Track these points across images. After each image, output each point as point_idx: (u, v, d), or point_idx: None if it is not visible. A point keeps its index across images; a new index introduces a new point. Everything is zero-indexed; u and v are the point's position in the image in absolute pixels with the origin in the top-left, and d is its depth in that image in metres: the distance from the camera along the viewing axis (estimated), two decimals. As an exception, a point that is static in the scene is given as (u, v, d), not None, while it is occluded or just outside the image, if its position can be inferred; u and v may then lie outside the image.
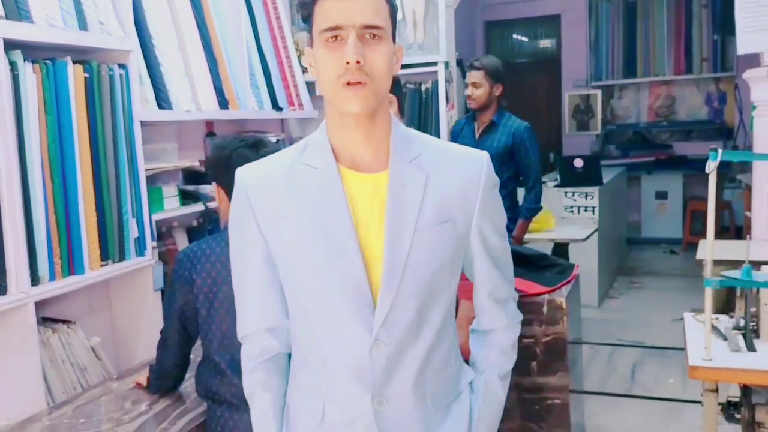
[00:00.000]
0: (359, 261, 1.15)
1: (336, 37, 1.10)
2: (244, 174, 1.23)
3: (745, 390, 2.21)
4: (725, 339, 2.15)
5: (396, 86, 2.44)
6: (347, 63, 1.08)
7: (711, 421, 2.18)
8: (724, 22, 6.85)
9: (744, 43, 3.45)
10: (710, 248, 1.95)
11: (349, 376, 1.18)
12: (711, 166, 1.87)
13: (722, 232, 6.66)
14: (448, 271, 1.21)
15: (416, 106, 3.98)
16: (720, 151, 1.85)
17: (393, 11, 1.16)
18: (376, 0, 1.11)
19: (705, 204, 7.03)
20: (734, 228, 6.82)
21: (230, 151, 1.90)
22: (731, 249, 2.72)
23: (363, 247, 1.16)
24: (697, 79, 7.58)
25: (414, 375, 1.19)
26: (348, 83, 1.09)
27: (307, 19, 1.15)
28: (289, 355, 1.29)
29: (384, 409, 1.18)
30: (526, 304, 2.79)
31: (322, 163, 1.18)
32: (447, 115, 3.92)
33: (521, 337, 2.80)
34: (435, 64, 3.92)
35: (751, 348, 2.08)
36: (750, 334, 2.12)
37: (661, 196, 7.52)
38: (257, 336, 1.27)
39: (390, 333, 1.16)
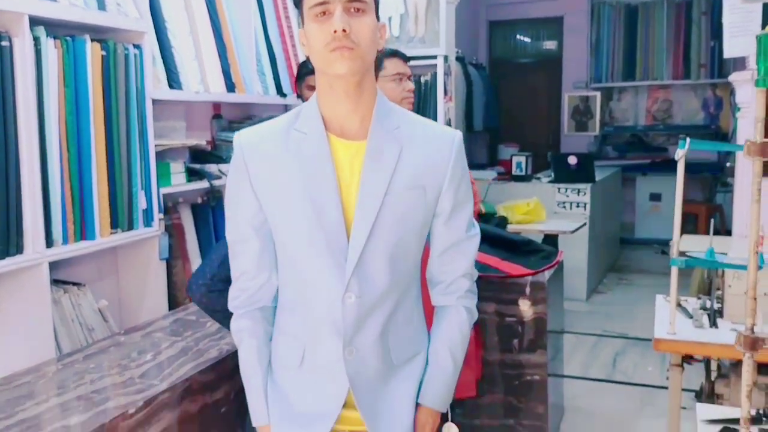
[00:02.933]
0: (340, 217, 1.29)
1: (324, 12, 1.24)
2: (241, 136, 1.38)
3: (707, 365, 2.37)
4: (691, 317, 2.30)
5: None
6: (335, 32, 1.22)
7: (675, 394, 2.34)
8: (722, 30, 6.99)
9: (730, 47, 3.60)
10: (677, 229, 2.10)
11: (326, 324, 1.32)
12: (679, 153, 2.02)
13: (714, 235, 6.78)
14: (415, 234, 1.35)
15: (416, 98, 4.12)
16: (688, 140, 2.00)
17: None
18: None
19: (697, 207, 7.13)
20: (725, 231, 6.95)
21: None
22: (712, 242, 2.87)
23: (344, 207, 1.30)
24: (695, 84, 7.72)
25: (380, 328, 1.33)
26: (336, 48, 1.23)
27: (298, 2, 1.29)
28: (275, 308, 1.43)
29: (353, 357, 1.32)
30: (510, 284, 2.95)
31: (312, 130, 1.32)
32: (444, 107, 4.07)
33: (504, 315, 2.97)
34: (434, 57, 4.06)
35: (713, 325, 2.23)
36: (714, 313, 2.28)
37: (656, 197, 7.67)
38: (246, 287, 1.40)
39: (360, 286, 1.29)
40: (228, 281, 1.76)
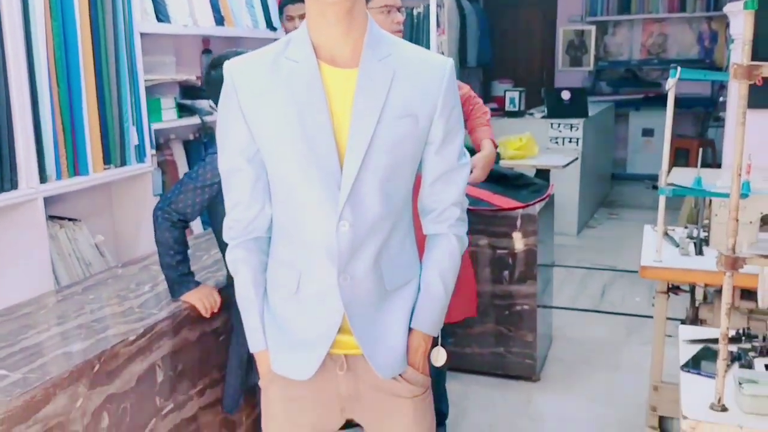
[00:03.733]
0: (332, 145, 1.29)
1: None
2: (231, 66, 1.36)
3: (692, 293, 2.43)
4: (678, 246, 2.35)
5: None
6: None
7: (660, 320, 2.41)
8: (719, -40, 6.86)
9: (726, -24, 3.55)
10: (666, 159, 2.13)
11: (321, 251, 1.34)
12: (670, 83, 2.03)
13: (705, 168, 6.82)
14: (407, 162, 1.35)
15: (408, 31, 4.07)
16: (678, 69, 2.00)
17: None
18: None
19: (689, 142, 7.13)
20: (716, 165, 6.99)
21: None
22: (701, 174, 2.90)
23: (336, 134, 1.30)
24: (690, 17, 7.62)
25: (373, 255, 1.35)
26: None
27: None
28: (269, 238, 1.45)
29: (348, 284, 1.34)
30: (501, 218, 2.99)
31: (303, 58, 1.30)
32: (437, 40, 4.02)
33: (495, 247, 3.02)
34: (427, -12, 4.00)
35: (699, 253, 2.28)
36: (701, 241, 2.32)
37: (648, 133, 7.67)
38: (240, 218, 1.42)
39: (353, 213, 1.31)
40: (182, 217, 1.80)
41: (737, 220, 1.15)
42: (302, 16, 3.07)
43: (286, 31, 3.08)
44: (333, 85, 1.31)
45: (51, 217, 2.57)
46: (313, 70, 1.30)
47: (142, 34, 2.73)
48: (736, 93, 1.16)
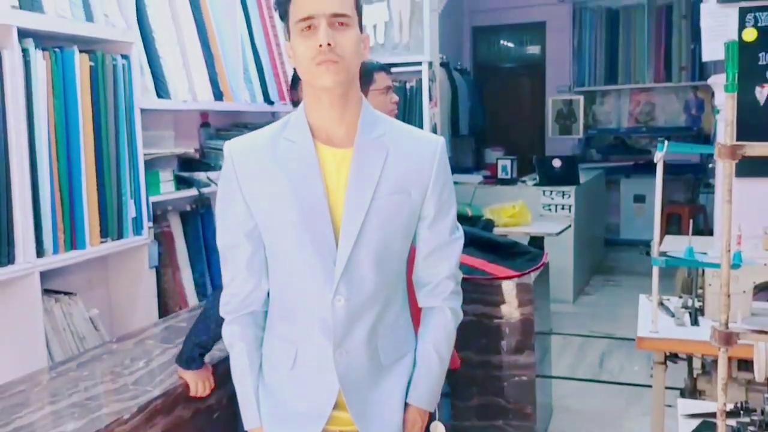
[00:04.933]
0: (327, 222, 1.33)
1: (309, 26, 1.28)
2: (231, 145, 1.41)
3: (690, 363, 2.42)
4: (673, 316, 2.36)
5: None
6: (320, 46, 1.26)
7: (659, 392, 2.39)
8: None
9: (708, 50, 3.67)
10: (657, 229, 2.16)
11: (316, 326, 1.36)
12: (658, 156, 2.08)
13: (697, 235, 6.87)
14: (401, 237, 1.39)
15: (401, 103, 4.17)
16: (666, 142, 2.06)
17: (358, 4, 1.35)
18: None
19: (680, 207, 7.19)
20: (708, 231, 7.04)
21: None
22: (693, 242, 2.94)
23: (332, 211, 1.34)
24: (676, 87, 7.83)
25: (368, 329, 1.37)
26: (321, 62, 1.27)
27: (284, 15, 1.34)
28: (265, 312, 1.46)
29: (343, 359, 1.35)
30: (496, 287, 3.00)
31: (300, 138, 1.36)
32: (430, 112, 4.12)
33: (492, 317, 3.01)
34: (419, 64, 4.12)
35: (695, 323, 2.29)
36: (696, 311, 2.33)
37: (639, 199, 7.76)
38: (237, 292, 1.43)
39: (348, 288, 1.33)
40: None
41: (729, 296, 1.16)
42: None
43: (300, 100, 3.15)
44: (329, 163, 1.36)
45: (46, 291, 2.57)
46: (309, 150, 1.35)
47: (142, 110, 2.79)
48: (722, 171, 1.20)
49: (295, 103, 3.17)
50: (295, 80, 3.11)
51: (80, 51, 2.48)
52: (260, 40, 3.78)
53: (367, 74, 2.42)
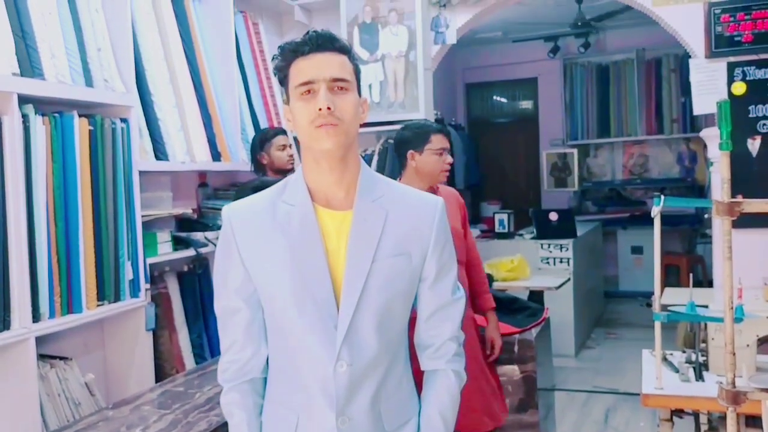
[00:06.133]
0: (328, 286, 1.31)
1: (309, 90, 1.30)
2: (230, 210, 1.41)
3: (696, 419, 2.38)
4: (677, 371, 2.32)
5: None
6: (320, 110, 1.28)
7: (667, 449, 2.34)
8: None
9: (699, 104, 3.74)
10: (657, 284, 2.15)
11: (318, 393, 1.32)
12: (655, 211, 2.09)
13: (696, 286, 6.85)
14: (402, 299, 1.37)
15: (396, 159, 4.20)
16: (662, 197, 2.07)
17: (356, 69, 1.37)
18: (341, 58, 1.33)
19: (678, 258, 7.15)
20: (707, 282, 7.02)
21: None
22: (694, 294, 2.93)
23: (332, 275, 1.32)
24: (668, 139, 7.92)
25: (372, 395, 1.34)
26: (321, 125, 1.29)
27: (283, 80, 1.36)
28: (264, 379, 1.43)
29: (346, 427, 1.31)
30: (498, 344, 2.96)
31: (299, 202, 1.35)
32: (426, 169, 4.13)
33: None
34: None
35: (699, 378, 2.25)
36: (700, 366, 2.30)
37: (637, 250, 7.75)
38: (235, 359, 1.40)
39: (351, 353, 1.31)
40: None
41: (734, 354, 1.15)
42: (290, 146, 3.23)
43: (270, 160, 3.19)
44: (328, 227, 1.35)
45: (41, 356, 2.53)
46: (308, 213, 1.34)
47: (140, 172, 2.80)
48: (720, 227, 1.20)
49: (259, 166, 3.24)
50: (261, 143, 3.21)
51: (80, 115, 2.52)
52: (257, 100, 3.84)
53: (424, 134, 2.52)
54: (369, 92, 4.10)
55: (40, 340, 2.39)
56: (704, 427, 2.35)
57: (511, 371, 2.94)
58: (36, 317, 2.33)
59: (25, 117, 2.31)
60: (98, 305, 2.60)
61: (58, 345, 2.65)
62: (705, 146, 7.53)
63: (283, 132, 3.28)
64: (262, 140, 3.26)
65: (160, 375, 2.91)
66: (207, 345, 3.26)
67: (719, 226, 3.60)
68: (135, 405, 2.22)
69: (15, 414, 2.25)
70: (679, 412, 2.41)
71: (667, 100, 7.80)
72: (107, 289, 2.64)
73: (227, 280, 1.39)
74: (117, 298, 2.68)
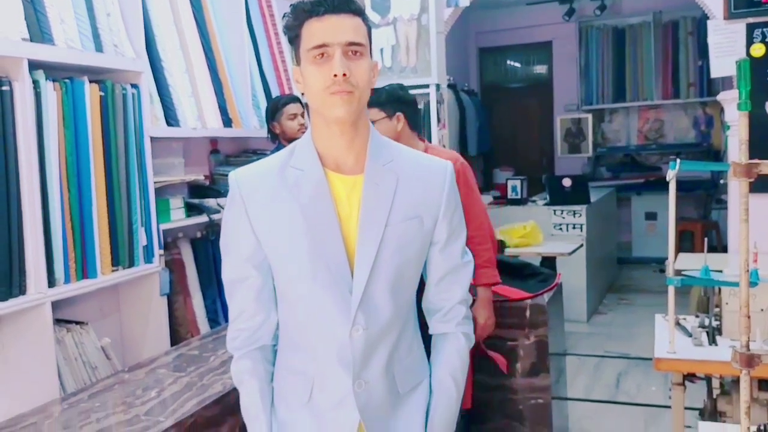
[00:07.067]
0: (341, 251, 1.30)
1: (322, 54, 1.26)
2: (237, 176, 1.38)
3: (709, 383, 2.38)
4: (690, 336, 2.32)
5: (401, 103, 2.58)
6: (335, 76, 1.24)
7: (678, 413, 2.34)
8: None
9: (717, 67, 3.67)
10: (671, 249, 2.13)
11: (334, 358, 1.32)
12: (670, 175, 2.06)
13: (710, 252, 6.82)
14: (414, 263, 1.37)
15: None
16: (678, 161, 2.04)
17: (369, 32, 1.33)
18: (356, 21, 1.29)
19: (693, 224, 7.12)
20: (721, 247, 6.98)
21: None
22: (708, 259, 2.91)
23: (345, 240, 1.31)
24: (685, 103, 7.80)
25: (386, 358, 1.34)
26: (335, 92, 1.25)
27: (294, 40, 1.32)
28: (274, 346, 1.43)
29: (362, 391, 1.32)
30: (510, 309, 2.97)
31: (309, 166, 1.33)
32: (438, 134, 4.12)
33: (506, 340, 2.98)
34: (427, 86, 4.12)
35: (712, 343, 2.25)
36: (713, 330, 2.29)
37: (651, 216, 7.70)
38: (245, 327, 1.40)
39: (366, 317, 1.30)
40: None
41: (749, 317, 1.14)
42: (303, 114, 3.21)
43: (282, 130, 3.19)
44: (339, 191, 1.34)
45: (58, 321, 2.56)
46: (319, 178, 1.33)
47: (152, 138, 2.80)
48: (737, 190, 1.18)
49: (274, 135, 3.23)
50: (272, 112, 3.19)
51: (90, 81, 2.50)
52: (268, 66, 3.81)
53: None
54: (381, 57, 4.06)
55: (56, 306, 2.41)
56: (716, 392, 2.35)
57: (523, 336, 2.94)
58: (51, 282, 2.35)
59: (35, 83, 2.30)
60: (113, 270, 2.62)
61: (75, 310, 2.68)
62: (722, 110, 7.42)
63: (294, 100, 3.25)
64: (273, 109, 3.24)
65: (176, 340, 2.95)
66: (221, 310, 3.29)
67: (736, 188, 3.57)
68: (151, 368, 2.25)
69: (33, 377, 2.29)
70: (691, 377, 2.41)
71: (684, 63, 7.67)
72: (121, 255, 2.65)
73: (236, 247, 1.38)
74: (131, 264, 2.70)
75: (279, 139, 3.22)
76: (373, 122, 2.53)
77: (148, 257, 2.79)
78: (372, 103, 2.55)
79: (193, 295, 3.19)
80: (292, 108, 3.21)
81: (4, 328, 2.30)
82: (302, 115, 3.23)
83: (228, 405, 1.91)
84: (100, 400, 1.98)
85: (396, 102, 2.54)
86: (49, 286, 2.35)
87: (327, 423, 1.34)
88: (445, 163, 1.41)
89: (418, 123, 2.63)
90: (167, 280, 2.92)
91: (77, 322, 2.62)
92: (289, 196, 1.33)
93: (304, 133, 3.22)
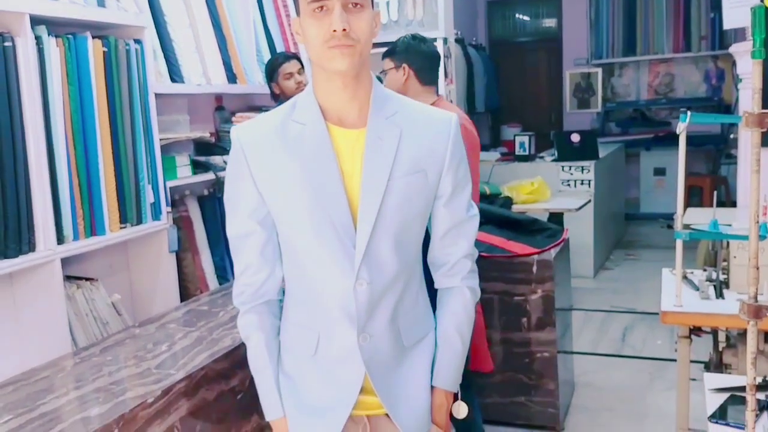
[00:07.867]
0: (345, 205, 1.29)
1: (322, 7, 1.23)
2: (239, 131, 1.37)
3: (715, 336, 2.39)
4: (697, 289, 2.32)
5: (411, 54, 2.51)
6: (334, 31, 1.22)
7: (684, 366, 2.36)
8: (721, 1, 6.94)
9: (730, 18, 3.59)
10: (680, 203, 2.12)
11: (339, 312, 1.33)
12: (681, 127, 2.04)
13: (719, 207, 6.79)
14: (418, 217, 1.36)
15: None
16: (689, 113, 2.01)
17: None
18: None
19: (702, 179, 7.09)
20: (730, 202, 6.95)
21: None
22: (716, 214, 2.89)
23: (348, 194, 1.30)
24: (696, 57, 7.68)
25: (390, 312, 1.35)
26: (335, 46, 1.23)
27: None
28: (280, 301, 1.44)
29: (367, 343, 1.33)
30: (517, 264, 2.98)
31: (311, 120, 1.32)
32: (445, 90, 4.07)
33: (512, 294, 3.00)
34: (434, 40, 4.05)
35: (719, 296, 2.25)
36: (720, 284, 2.29)
37: (660, 172, 7.66)
38: (251, 282, 1.41)
39: (369, 271, 1.31)
40: None
41: (758, 268, 1.13)
42: (300, 71, 3.16)
43: (281, 90, 3.15)
44: (342, 145, 1.32)
45: (68, 278, 2.59)
46: (321, 132, 1.31)
47: (156, 95, 2.78)
48: (748, 140, 1.16)
49: (275, 95, 3.19)
50: (270, 73, 3.14)
51: (93, 37, 2.47)
52: (272, 21, 3.75)
53: None
54: (386, 9, 3.99)
55: (66, 263, 2.43)
56: (722, 345, 2.36)
57: (529, 291, 2.96)
58: (60, 239, 2.37)
59: (38, 39, 2.27)
60: (121, 227, 2.63)
61: (84, 267, 2.71)
62: (734, 63, 7.28)
63: (289, 58, 3.19)
64: (270, 69, 3.19)
65: (186, 296, 2.98)
66: (229, 267, 3.31)
67: (747, 139, 3.53)
68: (161, 323, 2.28)
69: (45, 333, 2.32)
70: (697, 330, 2.42)
71: (696, 15, 7.52)
72: (129, 212, 2.66)
73: (240, 203, 1.38)
74: (139, 221, 2.71)
75: (280, 99, 3.19)
76: (385, 72, 2.50)
77: (156, 214, 2.80)
78: (385, 53, 2.52)
79: (202, 252, 3.21)
80: (288, 67, 3.15)
81: (16, 284, 2.32)
82: (299, 73, 3.17)
83: (237, 359, 1.94)
84: (111, 354, 2.01)
85: (404, 53, 2.48)
86: (59, 243, 2.36)
87: (333, 375, 1.36)
88: (450, 115, 1.39)
89: (431, 77, 2.56)
90: (176, 237, 2.93)
91: (87, 279, 2.65)
92: (291, 150, 1.32)
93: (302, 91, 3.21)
